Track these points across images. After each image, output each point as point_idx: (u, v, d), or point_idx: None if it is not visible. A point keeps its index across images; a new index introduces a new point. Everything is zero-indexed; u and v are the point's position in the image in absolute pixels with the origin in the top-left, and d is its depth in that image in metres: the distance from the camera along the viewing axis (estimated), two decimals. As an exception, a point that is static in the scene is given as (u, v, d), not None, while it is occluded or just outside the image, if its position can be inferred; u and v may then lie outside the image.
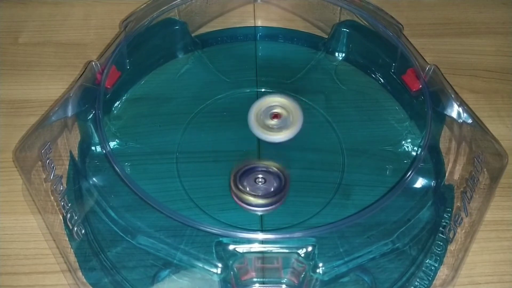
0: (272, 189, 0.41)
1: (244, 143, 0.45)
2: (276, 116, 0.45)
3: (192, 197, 0.42)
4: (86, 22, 0.55)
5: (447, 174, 0.41)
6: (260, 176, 0.42)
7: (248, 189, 0.41)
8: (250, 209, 0.41)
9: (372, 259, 0.37)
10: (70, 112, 0.41)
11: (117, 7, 0.56)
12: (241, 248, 0.35)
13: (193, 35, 0.52)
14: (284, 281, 0.36)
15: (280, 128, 0.44)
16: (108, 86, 0.43)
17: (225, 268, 0.35)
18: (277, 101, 0.45)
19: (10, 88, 0.49)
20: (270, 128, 0.44)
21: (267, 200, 0.41)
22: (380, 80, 0.49)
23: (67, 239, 0.39)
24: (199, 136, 0.46)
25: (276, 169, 0.42)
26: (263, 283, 0.36)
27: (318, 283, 0.36)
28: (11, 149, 0.44)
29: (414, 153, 0.44)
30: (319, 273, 0.35)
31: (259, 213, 0.41)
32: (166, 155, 0.44)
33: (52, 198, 0.39)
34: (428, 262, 0.38)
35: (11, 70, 0.51)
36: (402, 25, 0.48)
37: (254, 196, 0.41)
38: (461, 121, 0.42)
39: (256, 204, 0.41)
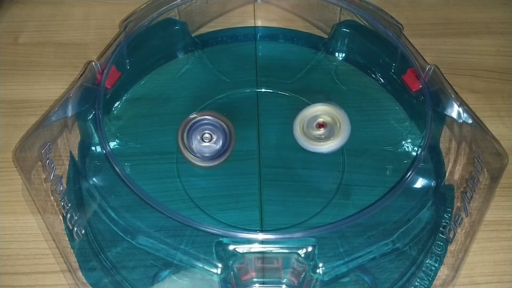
0: (218, 147, 0.43)
1: (244, 143, 0.45)
2: (321, 125, 0.44)
3: (192, 197, 0.42)
4: (86, 22, 0.55)
5: (447, 174, 0.41)
6: (207, 132, 0.43)
7: (194, 146, 0.43)
8: (197, 165, 0.42)
9: (372, 259, 0.37)
10: (70, 112, 0.41)
11: (117, 7, 0.56)
12: (241, 248, 0.35)
13: (193, 35, 0.52)
14: (284, 281, 0.36)
15: (326, 138, 0.43)
16: (108, 86, 0.43)
17: (225, 268, 0.35)
18: (321, 110, 0.44)
19: (10, 88, 0.49)
20: (316, 138, 0.43)
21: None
22: (380, 80, 0.49)
23: (67, 239, 0.39)
24: (199, 136, 0.46)
25: (222, 123, 0.43)
26: (263, 283, 0.36)
27: (318, 283, 0.36)
28: (11, 149, 0.44)
29: (414, 153, 0.44)
30: (319, 273, 0.35)
31: (204, 165, 0.42)
32: (166, 155, 0.44)
33: (52, 198, 0.39)
34: (428, 262, 0.38)
35: (11, 70, 0.51)
36: (402, 25, 0.48)
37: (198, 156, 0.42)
38: (461, 121, 0.42)
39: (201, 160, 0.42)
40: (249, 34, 0.53)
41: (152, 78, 0.50)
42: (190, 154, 0.42)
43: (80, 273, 0.37)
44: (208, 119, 0.43)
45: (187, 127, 0.43)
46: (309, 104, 0.45)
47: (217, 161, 0.42)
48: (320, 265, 0.35)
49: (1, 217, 0.41)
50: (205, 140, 0.43)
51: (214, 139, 0.43)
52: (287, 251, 0.36)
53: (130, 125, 0.46)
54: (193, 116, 0.43)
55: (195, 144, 0.43)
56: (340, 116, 0.44)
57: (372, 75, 0.50)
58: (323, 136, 0.43)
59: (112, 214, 0.37)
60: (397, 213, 0.38)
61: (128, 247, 0.37)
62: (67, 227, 0.38)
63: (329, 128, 0.44)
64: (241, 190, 0.42)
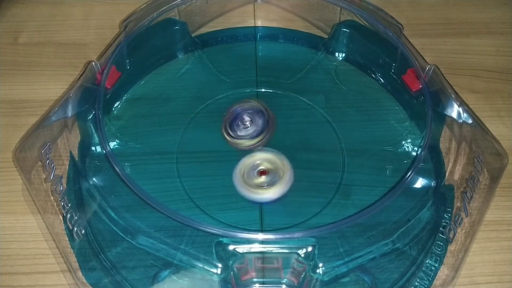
0: (260, 125, 0.44)
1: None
2: (263, 172, 0.42)
3: (192, 197, 0.42)
4: (86, 22, 0.55)
5: (447, 174, 0.41)
6: (246, 118, 0.44)
7: (239, 133, 0.44)
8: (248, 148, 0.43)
9: (372, 259, 0.37)
10: (70, 112, 0.41)
11: (117, 7, 0.56)
12: (241, 248, 0.35)
13: (193, 35, 0.52)
14: (284, 281, 0.36)
15: (270, 185, 0.41)
16: (108, 86, 0.43)
17: (225, 268, 0.35)
18: (261, 158, 0.43)
19: (10, 88, 0.49)
20: (259, 186, 0.41)
21: (258, 138, 0.43)
22: (380, 80, 0.49)
23: (67, 239, 0.39)
24: (199, 136, 0.46)
25: (258, 106, 0.44)
26: (263, 283, 0.36)
27: (318, 283, 0.36)
28: (11, 149, 0.44)
29: (414, 153, 0.44)
30: (319, 273, 0.35)
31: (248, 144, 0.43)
32: (166, 155, 0.44)
33: (52, 198, 0.39)
34: (428, 262, 0.38)
35: (11, 70, 0.51)
36: (402, 25, 0.48)
37: (246, 138, 0.43)
38: (461, 121, 0.42)
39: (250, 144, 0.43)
40: (249, 34, 0.53)
41: (152, 78, 0.50)
42: (234, 139, 0.43)
43: (80, 273, 0.37)
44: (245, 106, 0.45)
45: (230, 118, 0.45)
46: (249, 153, 0.44)
47: (259, 139, 0.43)
48: (320, 265, 0.35)
49: (1, 217, 0.41)
50: (246, 123, 0.44)
51: (253, 121, 0.44)
52: (287, 251, 0.36)
53: (130, 125, 0.46)
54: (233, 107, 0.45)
55: (238, 129, 0.44)
56: (283, 163, 0.42)
57: (372, 75, 0.50)
58: (265, 184, 0.41)
59: (112, 214, 0.37)
60: (397, 213, 0.38)
61: (128, 247, 0.37)
62: (67, 227, 0.38)
63: (271, 175, 0.42)
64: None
